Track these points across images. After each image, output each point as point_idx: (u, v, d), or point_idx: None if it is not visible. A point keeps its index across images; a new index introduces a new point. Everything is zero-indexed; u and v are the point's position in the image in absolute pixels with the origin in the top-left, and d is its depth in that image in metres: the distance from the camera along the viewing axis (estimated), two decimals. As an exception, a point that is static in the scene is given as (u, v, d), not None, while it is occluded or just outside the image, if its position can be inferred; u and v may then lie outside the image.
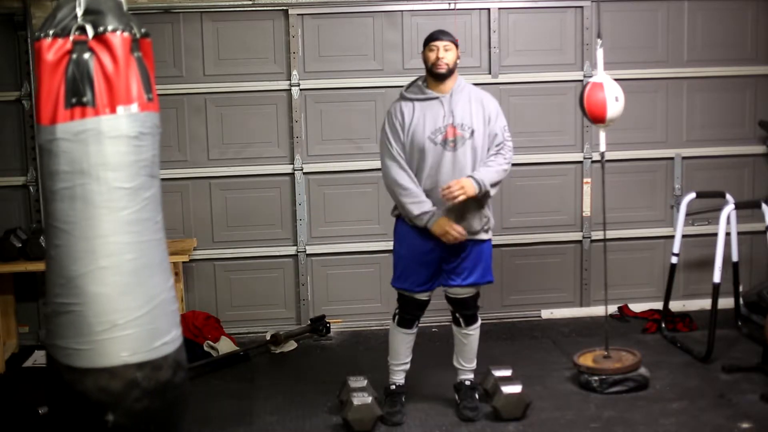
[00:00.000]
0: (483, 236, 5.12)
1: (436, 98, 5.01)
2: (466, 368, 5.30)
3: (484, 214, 5.08)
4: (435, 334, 6.59)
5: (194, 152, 6.77)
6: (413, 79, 5.16)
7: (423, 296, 5.16)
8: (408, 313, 5.19)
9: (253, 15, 6.71)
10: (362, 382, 5.27)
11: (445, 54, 4.97)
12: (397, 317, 5.23)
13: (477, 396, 5.31)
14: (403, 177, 5.00)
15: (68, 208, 3.05)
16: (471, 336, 5.25)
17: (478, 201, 5.02)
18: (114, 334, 3.04)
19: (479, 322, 5.28)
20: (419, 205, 4.98)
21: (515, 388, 5.18)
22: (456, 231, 4.94)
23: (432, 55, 4.99)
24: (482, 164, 5.03)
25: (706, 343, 5.98)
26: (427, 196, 5.00)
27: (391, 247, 5.27)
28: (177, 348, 3.18)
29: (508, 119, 6.80)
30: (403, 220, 5.13)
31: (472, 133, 4.99)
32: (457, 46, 5.03)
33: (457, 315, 5.22)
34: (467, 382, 5.30)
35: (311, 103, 6.80)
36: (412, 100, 5.04)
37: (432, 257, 5.09)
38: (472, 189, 4.90)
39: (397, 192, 5.02)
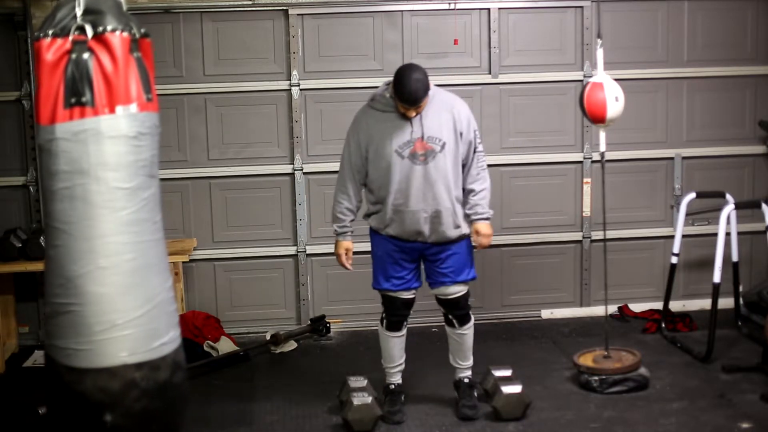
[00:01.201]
0: (459, 238, 5.12)
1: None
2: (463, 366, 5.30)
3: (457, 224, 5.06)
4: (435, 334, 6.59)
5: (194, 152, 6.78)
6: (381, 86, 5.06)
7: (407, 295, 5.15)
8: (394, 315, 5.18)
9: (253, 15, 6.71)
10: (362, 382, 5.27)
11: (416, 109, 4.87)
12: (384, 321, 5.22)
13: (476, 394, 5.31)
14: (343, 196, 5.10)
15: (68, 208, 3.04)
16: (465, 335, 5.25)
17: (452, 215, 5.02)
18: (113, 335, 3.03)
19: (472, 320, 5.27)
20: (340, 222, 5.15)
21: (515, 388, 5.18)
22: (345, 264, 5.23)
23: (401, 108, 4.87)
24: (471, 183, 5.05)
25: (706, 343, 5.98)
26: (398, 211, 4.98)
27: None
28: (175, 348, 3.17)
29: (508, 119, 6.90)
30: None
31: (443, 146, 4.93)
32: (427, 92, 4.86)
33: (450, 316, 5.21)
34: (466, 380, 5.31)
35: (311, 103, 6.80)
36: (379, 110, 4.97)
37: (409, 256, 5.11)
38: (489, 228, 5.13)
39: (335, 199, 5.14)
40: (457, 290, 5.15)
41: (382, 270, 5.14)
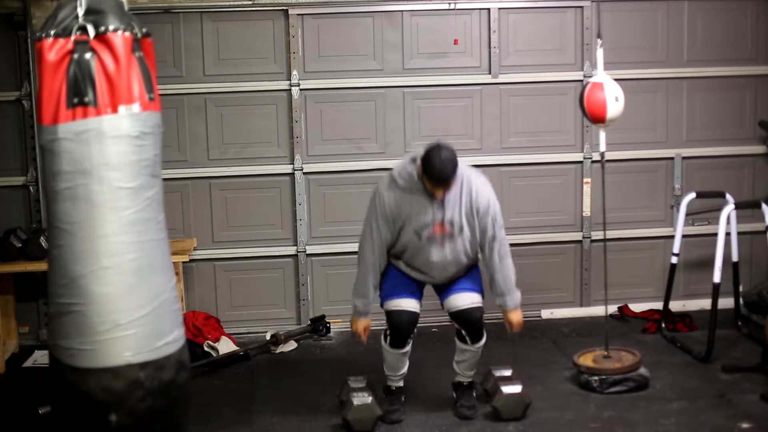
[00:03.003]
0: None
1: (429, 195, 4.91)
2: (466, 375, 5.29)
3: (469, 267, 5.15)
4: (435, 334, 6.58)
5: (194, 152, 6.77)
6: (406, 160, 5.00)
7: (413, 304, 5.08)
8: (400, 332, 5.10)
9: (253, 15, 6.71)
10: (362, 382, 5.27)
11: (446, 189, 4.85)
12: (388, 338, 5.16)
13: (474, 394, 5.31)
14: (369, 275, 5.07)
15: (70, 208, 3.05)
16: (476, 352, 5.21)
17: (465, 268, 5.10)
18: (117, 334, 3.04)
19: (485, 338, 5.20)
20: (361, 298, 5.11)
21: (515, 388, 5.18)
22: (361, 339, 5.19)
23: (430, 188, 4.84)
24: (495, 272, 5.10)
25: (706, 343, 5.98)
26: (411, 266, 5.05)
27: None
28: (179, 348, 3.18)
29: (508, 119, 6.90)
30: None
31: (461, 230, 4.96)
32: (456, 172, 4.83)
33: (464, 332, 5.13)
34: (465, 382, 5.30)
35: (311, 103, 6.80)
36: (403, 189, 4.93)
37: (418, 282, 5.15)
38: (520, 314, 5.22)
39: (361, 276, 5.12)
40: (469, 301, 5.09)
41: (389, 284, 5.12)
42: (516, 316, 5.20)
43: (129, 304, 3.05)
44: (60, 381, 3.11)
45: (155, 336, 3.09)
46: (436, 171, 4.75)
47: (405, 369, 5.27)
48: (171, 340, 3.13)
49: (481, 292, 5.18)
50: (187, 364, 3.24)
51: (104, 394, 3.03)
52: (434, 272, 5.08)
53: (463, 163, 4.97)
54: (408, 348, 5.19)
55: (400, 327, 5.09)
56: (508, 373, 5.39)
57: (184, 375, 3.19)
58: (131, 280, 3.07)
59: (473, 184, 4.97)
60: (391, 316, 5.11)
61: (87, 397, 3.04)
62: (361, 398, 5.08)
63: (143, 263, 3.09)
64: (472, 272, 5.18)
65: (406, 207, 4.92)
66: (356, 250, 6.82)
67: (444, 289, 5.16)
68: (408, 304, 5.09)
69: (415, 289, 5.15)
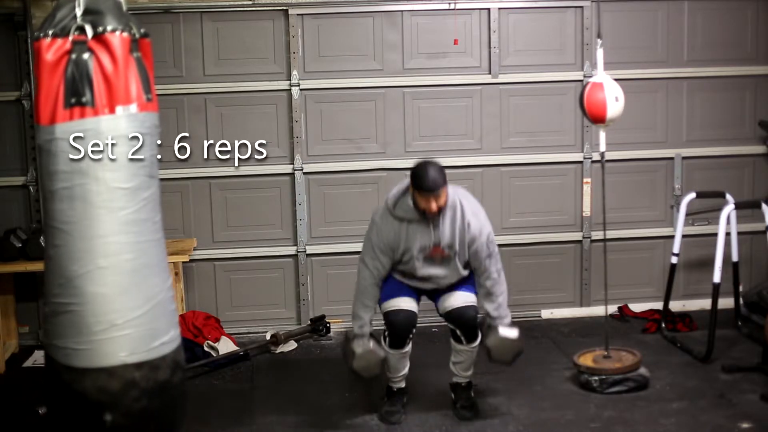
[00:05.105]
0: None
1: (425, 219, 4.96)
2: (463, 375, 5.29)
3: (461, 278, 5.17)
4: (435, 334, 6.58)
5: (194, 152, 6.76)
6: (398, 189, 5.05)
7: (410, 304, 5.13)
8: (397, 331, 5.12)
9: (253, 15, 6.71)
10: (363, 329, 5.22)
11: (437, 200, 4.88)
12: (387, 339, 5.16)
13: (473, 394, 5.31)
14: (366, 309, 5.10)
15: (67, 208, 3.05)
16: (472, 352, 5.22)
17: (459, 279, 5.13)
18: (112, 334, 3.04)
19: (480, 338, 5.20)
20: (360, 325, 5.09)
21: (511, 332, 5.14)
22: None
23: (423, 203, 4.89)
24: (492, 285, 5.10)
25: (706, 343, 5.98)
26: (407, 275, 5.12)
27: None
28: (175, 348, 3.18)
29: (508, 119, 6.90)
30: None
31: (456, 253, 5.04)
32: (446, 183, 4.92)
33: (459, 332, 5.16)
34: (463, 383, 5.30)
35: (311, 103, 6.80)
36: (401, 219, 4.99)
37: (414, 287, 5.19)
38: (516, 332, 5.17)
39: (355, 300, 5.15)
40: (462, 300, 5.13)
41: (386, 289, 5.15)
42: (512, 333, 5.17)
43: (125, 305, 3.06)
44: (55, 380, 3.12)
45: (151, 336, 3.09)
46: (425, 180, 4.83)
47: (406, 370, 5.27)
48: (167, 340, 3.14)
49: (475, 293, 5.19)
50: (183, 365, 3.25)
51: (99, 394, 3.04)
52: (429, 284, 5.16)
53: (455, 187, 5.04)
54: (408, 348, 5.20)
55: (398, 326, 5.11)
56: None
57: (179, 375, 3.19)
58: (128, 280, 3.07)
59: (465, 212, 5.03)
60: (389, 316, 5.14)
61: (82, 397, 3.05)
62: (362, 345, 5.06)
63: (140, 264, 3.10)
64: (465, 278, 5.20)
65: (404, 236, 5.00)
66: (356, 250, 6.85)
67: (438, 292, 5.20)
68: (405, 303, 5.13)
69: (413, 292, 5.18)
